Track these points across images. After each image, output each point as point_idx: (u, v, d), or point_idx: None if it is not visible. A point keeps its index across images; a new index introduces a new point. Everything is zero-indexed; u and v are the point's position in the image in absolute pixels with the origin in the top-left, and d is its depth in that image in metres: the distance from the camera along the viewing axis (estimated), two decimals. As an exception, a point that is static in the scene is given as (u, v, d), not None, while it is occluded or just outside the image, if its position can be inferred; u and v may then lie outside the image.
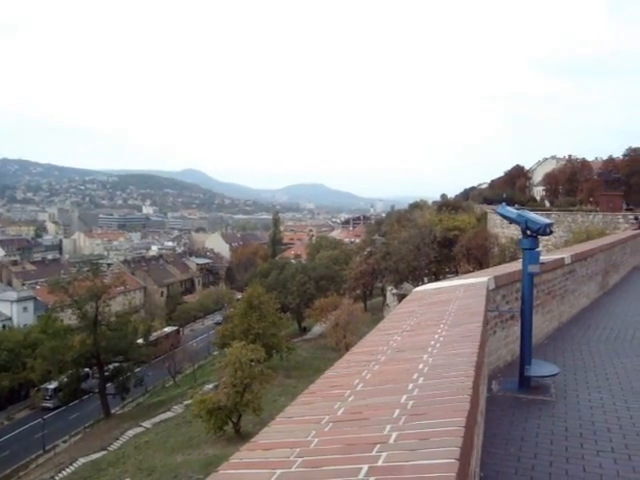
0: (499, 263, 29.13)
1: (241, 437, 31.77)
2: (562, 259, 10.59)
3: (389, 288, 66.25)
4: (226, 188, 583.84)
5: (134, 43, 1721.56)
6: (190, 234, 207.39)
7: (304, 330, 70.37)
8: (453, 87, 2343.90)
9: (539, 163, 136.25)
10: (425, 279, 50.63)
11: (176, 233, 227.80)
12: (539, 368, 6.89)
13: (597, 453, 4.94)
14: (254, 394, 32.81)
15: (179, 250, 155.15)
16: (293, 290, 67.46)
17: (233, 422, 33.50)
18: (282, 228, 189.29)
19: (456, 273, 51.21)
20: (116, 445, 40.22)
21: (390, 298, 60.56)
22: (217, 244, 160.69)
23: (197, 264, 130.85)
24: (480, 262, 47.94)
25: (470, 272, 16.66)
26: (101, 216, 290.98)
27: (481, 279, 6.90)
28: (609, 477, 4.49)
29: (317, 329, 65.46)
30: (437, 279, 45.89)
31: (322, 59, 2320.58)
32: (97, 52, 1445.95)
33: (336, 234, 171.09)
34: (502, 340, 7.55)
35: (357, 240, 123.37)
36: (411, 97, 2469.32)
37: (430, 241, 57.15)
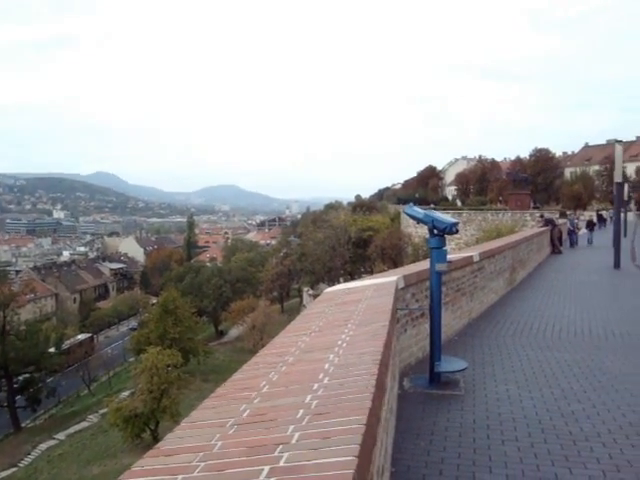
0: (413, 262, 29.68)
1: (159, 444, 31.20)
2: (471, 257, 10.88)
3: (305, 289, 66.60)
4: (140, 191, 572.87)
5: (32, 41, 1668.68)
6: (103, 238, 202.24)
7: (221, 334, 69.88)
8: (371, 88, 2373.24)
9: (451, 163, 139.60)
10: (341, 279, 51.13)
11: (89, 238, 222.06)
12: (448, 364, 7.07)
13: (502, 442, 5.14)
14: (171, 400, 32.33)
15: (92, 255, 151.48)
16: (209, 293, 66.93)
17: (151, 429, 32.90)
18: (197, 231, 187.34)
19: (371, 273, 51.84)
20: (27, 460, 38.64)
21: (307, 299, 60.89)
22: (131, 248, 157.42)
23: (111, 269, 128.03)
24: (394, 261, 48.75)
25: (384, 271, 16.90)
26: (8, 221, 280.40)
27: (391, 278, 7.02)
28: (513, 464, 4.68)
29: (234, 332, 65.11)
30: (352, 279, 46.38)
31: (236, 57, 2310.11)
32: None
33: (252, 236, 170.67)
34: (413, 338, 7.70)
35: (273, 242, 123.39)
36: (322, 98, 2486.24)
37: (345, 242, 57.79)
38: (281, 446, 2.01)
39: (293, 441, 2.05)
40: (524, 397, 6.46)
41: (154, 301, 72.03)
